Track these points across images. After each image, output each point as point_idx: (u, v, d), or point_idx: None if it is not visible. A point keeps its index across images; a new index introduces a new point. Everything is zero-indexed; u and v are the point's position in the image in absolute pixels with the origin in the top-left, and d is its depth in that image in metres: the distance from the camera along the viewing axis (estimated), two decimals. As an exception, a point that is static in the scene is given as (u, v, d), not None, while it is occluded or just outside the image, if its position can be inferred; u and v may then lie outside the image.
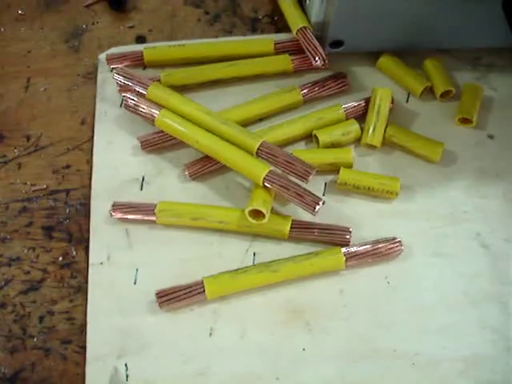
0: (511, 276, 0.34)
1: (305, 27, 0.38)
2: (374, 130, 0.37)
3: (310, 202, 0.33)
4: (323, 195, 0.36)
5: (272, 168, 0.34)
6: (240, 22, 0.43)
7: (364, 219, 0.35)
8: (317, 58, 0.37)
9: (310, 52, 0.37)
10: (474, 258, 0.35)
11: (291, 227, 0.34)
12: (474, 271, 0.34)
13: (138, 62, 0.39)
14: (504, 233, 0.35)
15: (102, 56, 0.40)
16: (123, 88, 0.37)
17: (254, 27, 0.43)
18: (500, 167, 0.37)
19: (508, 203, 0.36)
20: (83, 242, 0.35)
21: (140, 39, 0.42)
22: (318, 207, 0.33)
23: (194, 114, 0.35)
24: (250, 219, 0.33)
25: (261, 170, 0.34)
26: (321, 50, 0.37)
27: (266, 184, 0.33)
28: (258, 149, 0.34)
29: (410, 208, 0.36)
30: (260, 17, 0.43)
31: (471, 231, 0.35)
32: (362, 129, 0.37)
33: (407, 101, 0.39)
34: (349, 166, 0.36)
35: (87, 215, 0.35)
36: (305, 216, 0.34)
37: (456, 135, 0.38)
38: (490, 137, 0.38)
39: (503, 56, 0.40)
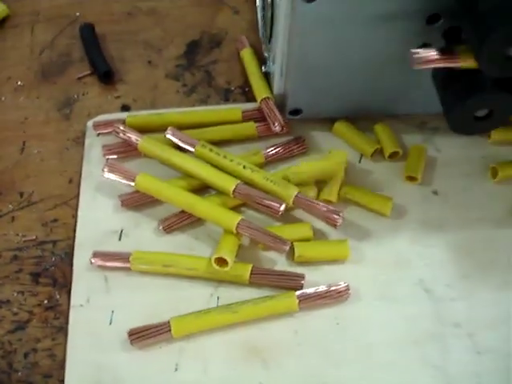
0: (451, 318, 0.38)
1: (268, 97, 0.43)
2: (330, 187, 0.41)
3: (280, 244, 0.37)
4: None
5: (243, 217, 0.38)
6: (214, 92, 0.48)
7: (317, 265, 0.39)
8: (276, 124, 0.42)
9: (271, 119, 0.42)
10: (417, 301, 0.38)
11: (251, 273, 0.38)
12: (417, 313, 0.38)
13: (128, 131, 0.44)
14: (445, 279, 0.39)
15: (90, 123, 0.45)
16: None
17: (226, 97, 0.48)
18: (443, 219, 0.41)
19: (449, 252, 0.40)
20: (66, 287, 0.39)
21: (125, 108, 0.47)
22: (286, 248, 0.37)
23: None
24: (215, 266, 0.37)
25: (233, 218, 0.38)
26: (279, 117, 0.42)
27: (239, 231, 0.38)
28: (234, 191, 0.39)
29: (360, 256, 0.40)
30: (232, 88, 0.48)
31: (415, 277, 0.39)
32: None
33: (360, 161, 0.44)
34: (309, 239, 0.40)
35: (71, 263, 0.40)
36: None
37: (404, 191, 0.42)
38: (435, 192, 0.42)
39: (447, 121, 0.45)
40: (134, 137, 0.42)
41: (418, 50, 0.33)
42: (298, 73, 0.40)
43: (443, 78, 0.35)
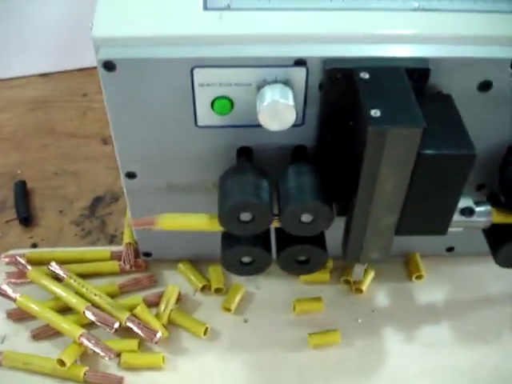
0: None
1: (129, 242, 0.58)
2: (163, 311, 0.54)
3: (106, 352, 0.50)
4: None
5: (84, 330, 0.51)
6: (103, 237, 0.63)
7: (140, 371, 0.51)
8: (126, 262, 0.56)
9: (125, 259, 0.57)
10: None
11: (84, 373, 0.50)
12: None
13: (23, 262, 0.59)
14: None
15: (3, 255, 0.60)
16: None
17: (111, 241, 0.63)
18: (248, 342, 0.53)
19: (248, 368, 0.52)
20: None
21: (34, 246, 0.63)
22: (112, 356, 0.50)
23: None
24: (57, 366, 0.50)
25: (76, 330, 0.51)
26: (131, 257, 0.57)
27: (80, 340, 0.51)
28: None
29: (173, 366, 0.52)
30: (118, 234, 0.63)
31: (213, 385, 0.51)
32: (157, 311, 0.55)
33: (194, 294, 0.57)
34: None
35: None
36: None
37: (222, 318, 0.55)
38: (245, 321, 0.55)
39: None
40: (26, 267, 0.56)
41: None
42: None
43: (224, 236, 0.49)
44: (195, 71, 0.42)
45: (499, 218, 0.47)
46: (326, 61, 0.41)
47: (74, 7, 0.85)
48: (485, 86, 0.44)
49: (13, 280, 0.57)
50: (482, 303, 0.57)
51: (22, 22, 0.84)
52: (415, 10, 0.44)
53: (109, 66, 0.41)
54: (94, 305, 0.53)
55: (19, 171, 0.70)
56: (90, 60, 0.79)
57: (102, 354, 0.50)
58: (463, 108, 0.43)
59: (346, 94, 0.41)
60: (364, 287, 0.56)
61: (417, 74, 0.41)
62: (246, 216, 0.43)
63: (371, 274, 0.57)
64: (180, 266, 0.58)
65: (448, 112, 0.41)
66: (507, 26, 0.44)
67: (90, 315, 0.52)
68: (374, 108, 0.37)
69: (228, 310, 0.55)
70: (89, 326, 0.53)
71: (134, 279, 0.57)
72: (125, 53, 0.41)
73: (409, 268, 0.59)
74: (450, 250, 0.59)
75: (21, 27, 0.85)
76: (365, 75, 0.40)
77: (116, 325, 0.52)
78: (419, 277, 0.58)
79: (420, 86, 0.42)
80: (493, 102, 0.45)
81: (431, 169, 0.39)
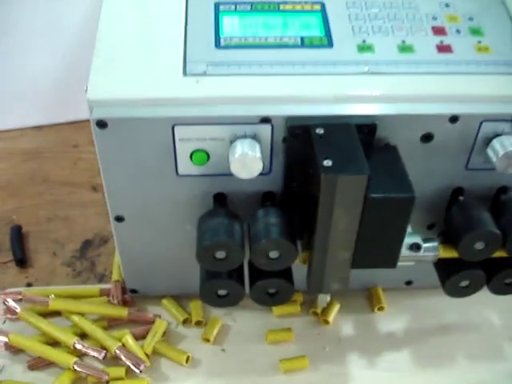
0: None
1: (117, 280, 0.64)
2: (148, 342, 0.60)
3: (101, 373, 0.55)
4: None
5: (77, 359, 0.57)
6: (93, 276, 0.69)
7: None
8: (114, 298, 0.62)
9: (116, 294, 0.62)
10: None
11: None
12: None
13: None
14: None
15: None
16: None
17: (101, 280, 0.68)
18: (225, 369, 0.59)
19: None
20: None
21: (28, 284, 0.68)
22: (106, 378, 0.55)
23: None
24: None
25: (70, 358, 0.56)
26: (119, 294, 0.62)
27: (75, 367, 0.56)
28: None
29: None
30: (107, 273, 0.69)
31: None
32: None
33: (176, 327, 0.63)
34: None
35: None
36: None
37: (202, 348, 0.60)
38: (223, 350, 0.61)
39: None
40: (16, 308, 0.62)
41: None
42: (126, 262, 0.60)
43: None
44: (176, 128, 0.48)
45: (445, 253, 0.54)
46: (288, 119, 0.48)
47: (65, 65, 0.91)
48: (427, 138, 0.51)
49: (9, 316, 0.63)
50: (437, 331, 0.63)
51: (17, 78, 0.91)
52: (365, 73, 0.51)
53: (101, 124, 0.47)
54: (87, 335, 0.59)
55: (15, 216, 0.76)
56: (80, 114, 0.87)
57: (96, 376, 0.55)
58: (409, 157, 0.50)
59: (305, 146, 0.48)
60: (330, 318, 0.62)
61: (366, 129, 0.48)
62: (220, 254, 0.49)
63: (337, 307, 0.63)
64: (164, 301, 0.64)
65: (393, 161, 0.48)
66: (445, 85, 0.51)
67: (79, 346, 0.58)
68: (326, 158, 0.44)
69: (207, 340, 0.61)
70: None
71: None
72: (115, 112, 0.48)
73: (371, 300, 0.65)
74: (409, 283, 0.66)
75: (15, 83, 0.91)
76: (320, 131, 0.47)
77: (102, 354, 0.57)
78: (381, 308, 0.64)
79: (369, 139, 0.49)
80: (435, 151, 0.52)
81: (377, 210, 0.46)
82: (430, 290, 0.64)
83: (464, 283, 0.55)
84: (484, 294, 0.56)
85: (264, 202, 0.53)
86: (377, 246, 0.49)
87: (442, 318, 0.64)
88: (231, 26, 0.54)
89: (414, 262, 0.54)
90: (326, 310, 0.63)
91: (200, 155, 0.50)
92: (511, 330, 0.63)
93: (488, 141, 0.51)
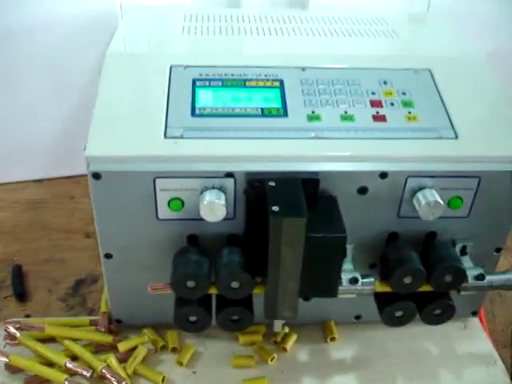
0: None
1: (105, 312, 0.74)
2: (130, 363, 0.69)
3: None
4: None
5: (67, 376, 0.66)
6: (83, 309, 0.79)
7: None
8: (101, 327, 0.72)
9: (103, 324, 0.72)
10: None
11: (66, 411, 0.64)
12: None
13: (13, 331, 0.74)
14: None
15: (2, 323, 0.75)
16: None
17: (90, 313, 0.78)
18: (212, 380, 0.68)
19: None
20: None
21: (26, 316, 0.78)
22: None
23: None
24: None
25: (61, 376, 0.66)
26: (106, 324, 0.72)
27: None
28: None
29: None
30: (96, 308, 0.79)
31: (167, 421, 0.65)
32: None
33: (155, 352, 0.72)
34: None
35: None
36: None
37: (176, 370, 0.70)
38: (194, 372, 0.70)
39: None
40: (16, 333, 0.71)
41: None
42: (112, 295, 0.70)
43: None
44: (157, 181, 0.60)
45: (381, 287, 0.64)
46: (248, 174, 0.60)
47: (64, 127, 1.03)
48: (362, 191, 0.62)
49: (8, 341, 0.72)
50: (382, 358, 0.72)
51: (22, 136, 1.02)
52: (312, 138, 0.63)
53: (96, 175, 0.59)
54: (77, 357, 0.68)
55: (16, 258, 0.86)
56: (77, 169, 0.99)
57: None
58: (350, 207, 0.61)
59: (261, 196, 0.59)
60: (288, 347, 0.72)
61: (310, 182, 0.60)
62: (190, 283, 0.60)
63: (294, 337, 0.73)
64: (144, 330, 0.73)
65: (331, 208, 0.60)
66: (377, 148, 0.63)
67: (70, 366, 0.67)
68: (275, 205, 0.55)
69: (181, 364, 0.70)
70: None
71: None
72: (108, 167, 0.59)
73: (325, 332, 0.75)
74: (358, 317, 0.76)
75: (21, 141, 1.02)
76: (272, 183, 0.58)
77: (89, 373, 0.66)
78: (333, 339, 0.74)
79: (314, 191, 0.60)
80: (370, 202, 0.63)
81: (316, 247, 0.56)
82: (376, 324, 0.73)
83: (398, 313, 0.65)
84: (422, 327, 0.67)
85: (229, 242, 0.64)
86: (319, 278, 0.59)
87: (386, 346, 0.74)
88: (205, 98, 0.66)
89: (355, 295, 0.64)
90: (284, 339, 0.72)
91: (176, 203, 0.61)
92: (444, 358, 0.73)
93: (413, 193, 0.63)
